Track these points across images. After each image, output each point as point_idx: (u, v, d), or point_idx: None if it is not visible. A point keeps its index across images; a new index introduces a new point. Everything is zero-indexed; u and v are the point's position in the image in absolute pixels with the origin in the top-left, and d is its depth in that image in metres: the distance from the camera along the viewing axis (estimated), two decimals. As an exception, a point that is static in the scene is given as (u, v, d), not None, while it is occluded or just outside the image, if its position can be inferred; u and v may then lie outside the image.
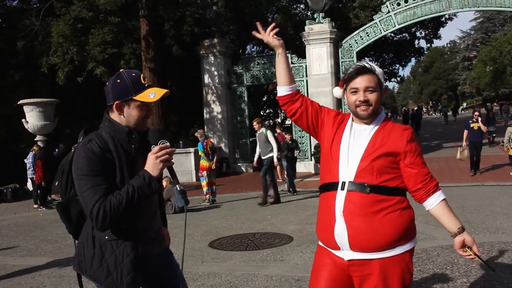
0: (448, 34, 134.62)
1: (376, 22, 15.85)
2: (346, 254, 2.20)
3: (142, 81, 2.19)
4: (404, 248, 2.21)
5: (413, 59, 32.60)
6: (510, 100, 41.39)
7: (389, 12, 15.66)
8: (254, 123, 10.36)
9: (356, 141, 2.26)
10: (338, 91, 2.42)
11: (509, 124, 12.91)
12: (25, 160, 13.45)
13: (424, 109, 57.76)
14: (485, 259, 2.29)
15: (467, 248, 2.20)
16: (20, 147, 19.09)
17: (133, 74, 2.20)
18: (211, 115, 17.52)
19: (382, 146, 2.21)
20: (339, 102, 15.19)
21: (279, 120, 29.86)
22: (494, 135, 19.10)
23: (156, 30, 16.68)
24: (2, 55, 19.60)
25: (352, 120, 2.34)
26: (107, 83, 2.23)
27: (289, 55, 16.73)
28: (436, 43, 56.21)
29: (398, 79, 33.91)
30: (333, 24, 15.97)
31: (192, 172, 15.58)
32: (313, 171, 15.33)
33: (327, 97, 15.05)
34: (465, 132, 12.61)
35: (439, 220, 2.26)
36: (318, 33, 15.66)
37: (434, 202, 2.23)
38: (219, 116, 17.43)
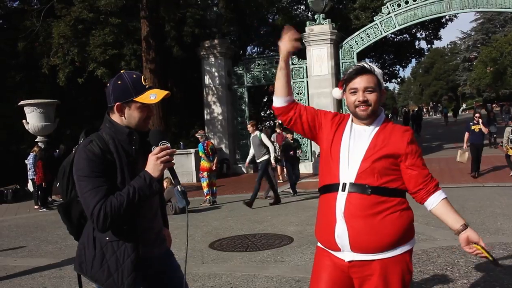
0: (448, 35, 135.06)
1: (376, 23, 15.86)
2: (347, 255, 2.20)
3: (143, 83, 2.19)
4: (403, 249, 2.22)
5: (413, 60, 32.48)
6: (510, 101, 41.33)
7: (389, 13, 15.67)
8: (249, 126, 10.40)
9: (356, 142, 2.26)
10: (337, 92, 2.42)
11: (508, 125, 12.88)
12: (26, 161, 13.46)
13: (424, 110, 57.73)
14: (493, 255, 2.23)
15: (474, 245, 2.16)
16: (21, 148, 19.11)
17: (134, 76, 2.21)
18: (212, 116, 17.54)
19: (383, 148, 2.21)
20: (339, 103, 15.20)
21: (279, 120, 29.80)
22: (495, 136, 19.09)
23: (157, 31, 16.69)
24: (3, 56, 19.63)
25: (352, 121, 2.34)
26: (108, 85, 2.23)
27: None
28: (437, 44, 56.51)
29: (399, 80, 33.86)
30: (334, 25, 15.98)
31: (192, 173, 15.58)
32: (312, 172, 15.31)
33: (327, 98, 15.07)
34: (466, 134, 12.56)
35: (441, 219, 2.26)
36: (318, 34, 15.67)
37: (435, 202, 2.23)
38: (220, 117, 17.44)
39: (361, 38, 15.95)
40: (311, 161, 15.97)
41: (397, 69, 30.84)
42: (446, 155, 17.14)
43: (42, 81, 19.40)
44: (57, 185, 2.36)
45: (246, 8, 22.55)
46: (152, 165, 2.09)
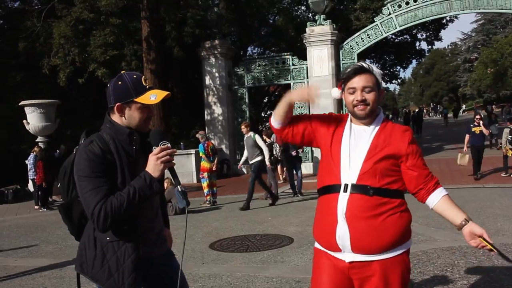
0: (449, 36, 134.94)
1: (377, 24, 15.86)
2: (347, 256, 2.20)
3: (143, 83, 2.20)
4: (402, 249, 2.23)
5: (414, 61, 32.43)
6: (511, 102, 41.34)
7: (390, 14, 15.68)
8: (242, 127, 10.37)
9: (357, 143, 2.25)
10: (336, 92, 2.42)
11: (506, 126, 12.86)
12: (26, 161, 13.46)
13: (424, 110, 57.74)
14: (498, 248, 2.21)
15: (481, 239, 2.14)
16: (21, 148, 19.10)
17: (134, 76, 2.21)
18: (212, 116, 17.54)
19: (384, 148, 2.21)
20: (339, 103, 15.20)
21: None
22: (496, 138, 19.07)
23: (158, 32, 16.70)
24: (4, 56, 19.66)
25: (351, 121, 2.32)
26: (109, 85, 2.24)
27: (290, 56, 16.81)
28: (437, 45, 56.55)
29: (399, 80, 33.83)
30: (334, 26, 15.99)
31: (193, 173, 15.58)
32: (312, 172, 15.32)
33: (328, 98, 15.03)
34: (467, 136, 12.45)
35: (443, 215, 2.25)
36: (319, 35, 15.68)
37: (435, 200, 2.23)
38: (220, 118, 17.45)
39: (362, 39, 15.95)
40: (311, 161, 15.97)
41: (397, 70, 30.86)
42: (446, 156, 17.14)
43: (42, 81, 19.43)
44: (58, 185, 2.36)
45: (247, 9, 22.56)
46: (153, 165, 2.10)
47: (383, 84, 2.34)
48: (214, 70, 17.41)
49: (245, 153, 10.47)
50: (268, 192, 10.38)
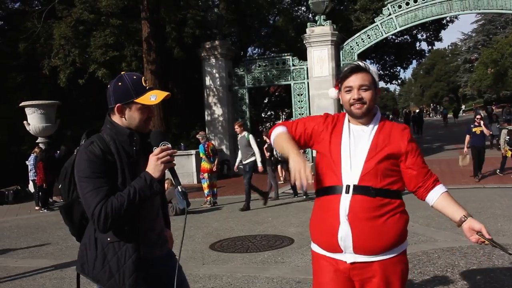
0: (449, 36, 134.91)
1: (377, 25, 15.88)
2: (349, 257, 2.19)
3: (144, 84, 2.20)
4: (401, 249, 2.24)
5: (414, 61, 32.42)
6: (511, 102, 41.31)
7: (390, 14, 15.69)
8: (236, 127, 10.27)
9: (357, 143, 2.25)
10: (333, 92, 2.41)
11: (504, 127, 12.83)
12: (27, 162, 13.47)
13: (425, 111, 57.72)
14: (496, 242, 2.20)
15: (479, 235, 2.13)
16: (22, 149, 19.10)
17: (135, 77, 2.22)
18: (212, 117, 17.55)
19: (384, 148, 2.21)
20: (340, 103, 15.20)
21: (280, 121, 29.81)
22: (497, 139, 19.05)
23: (158, 32, 16.71)
24: (4, 57, 19.66)
25: (349, 121, 2.31)
26: (109, 86, 2.24)
27: (290, 57, 16.83)
28: (438, 45, 56.56)
29: (399, 81, 33.81)
30: (335, 27, 16.00)
31: (193, 174, 15.59)
32: (313, 173, 15.31)
33: (328, 99, 15.06)
34: (467, 137, 12.37)
35: (443, 212, 2.25)
36: (319, 35, 15.69)
37: (435, 197, 2.24)
38: (220, 118, 17.45)
39: (362, 39, 15.97)
40: (312, 161, 15.97)
41: (397, 70, 30.82)
42: (446, 156, 17.15)
43: (43, 82, 19.43)
44: (59, 186, 2.37)
45: (247, 10, 22.59)
46: (153, 166, 2.10)
47: (381, 84, 2.34)
48: (214, 71, 17.41)
49: (239, 155, 10.40)
50: (258, 193, 10.29)
